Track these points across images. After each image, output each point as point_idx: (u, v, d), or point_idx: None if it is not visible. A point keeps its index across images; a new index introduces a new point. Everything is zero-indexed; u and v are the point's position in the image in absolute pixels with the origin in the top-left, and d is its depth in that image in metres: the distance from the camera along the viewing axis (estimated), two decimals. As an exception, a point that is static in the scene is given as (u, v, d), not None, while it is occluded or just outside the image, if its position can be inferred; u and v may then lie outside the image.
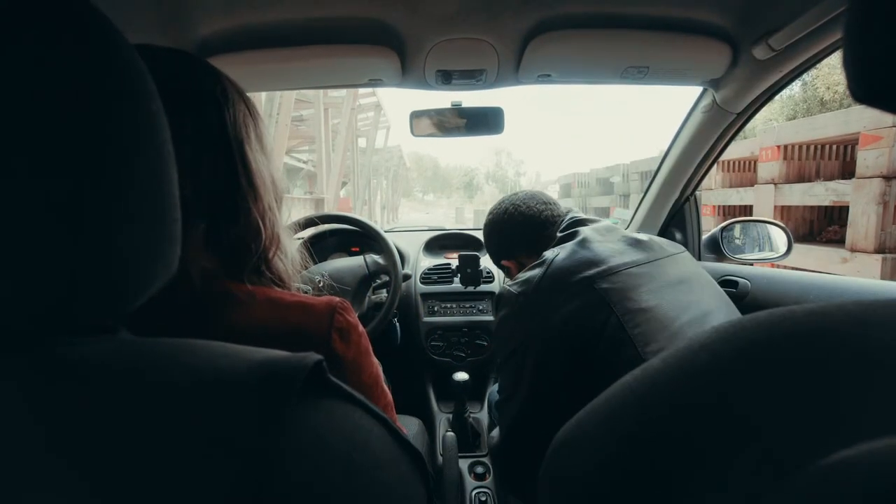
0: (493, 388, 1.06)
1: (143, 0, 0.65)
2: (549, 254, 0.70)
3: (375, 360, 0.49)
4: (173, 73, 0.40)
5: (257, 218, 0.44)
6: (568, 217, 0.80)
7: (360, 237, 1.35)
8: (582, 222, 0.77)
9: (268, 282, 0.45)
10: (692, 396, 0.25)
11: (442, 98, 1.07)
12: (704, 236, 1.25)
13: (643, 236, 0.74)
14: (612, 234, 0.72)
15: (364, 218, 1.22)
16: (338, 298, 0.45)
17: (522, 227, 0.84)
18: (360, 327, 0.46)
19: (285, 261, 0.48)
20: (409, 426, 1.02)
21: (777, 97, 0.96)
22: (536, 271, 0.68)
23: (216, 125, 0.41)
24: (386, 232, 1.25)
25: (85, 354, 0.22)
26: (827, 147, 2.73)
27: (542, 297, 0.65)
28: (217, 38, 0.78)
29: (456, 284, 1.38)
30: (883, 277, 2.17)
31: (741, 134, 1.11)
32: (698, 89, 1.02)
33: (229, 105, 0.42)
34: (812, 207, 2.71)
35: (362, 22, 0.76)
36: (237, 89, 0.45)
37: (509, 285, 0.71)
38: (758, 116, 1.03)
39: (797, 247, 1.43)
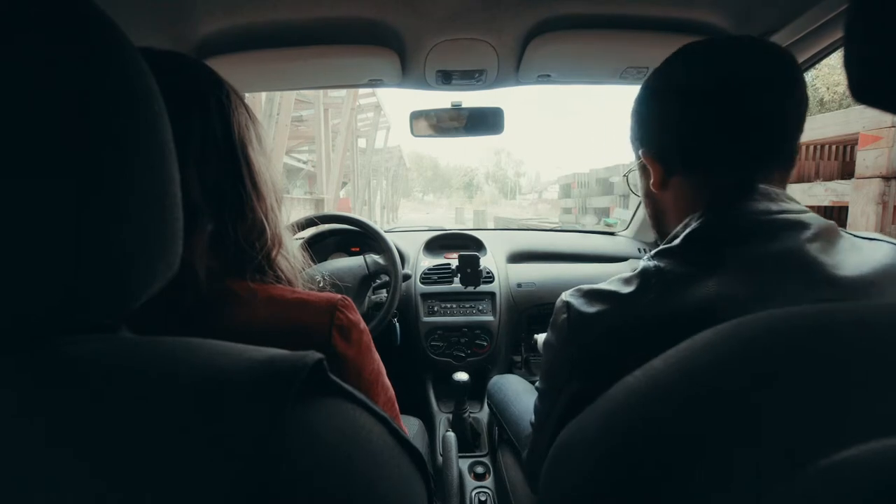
0: (493, 381, 1.05)
1: (143, 0, 0.65)
2: (642, 273, 0.45)
3: (377, 357, 0.49)
4: (180, 77, 0.41)
5: (262, 217, 0.45)
6: (752, 203, 0.43)
7: (360, 237, 1.35)
8: (756, 227, 0.42)
9: (272, 280, 0.46)
10: (693, 396, 0.25)
11: (442, 98, 1.08)
12: None
13: (853, 269, 0.40)
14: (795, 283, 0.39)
15: (364, 218, 1.23)
16: (339, 295, 0.45)
17: (708, 137, 0.46)
18: (362, 324, 0.46)
19: (289, 259, 0.49)
20: (410, 426, 1.02)
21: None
22: (608, 307, 0.44)
23: (221, 127, 0.42)
24: (386, 232, 1.25)
25: (85, 353, 0.22)
26: (826, 147, 2.73)
27: (601, 355, 0.44)
28: (217, 38, 0.78)
29: (456, 284, 1.38)
30: (882, 277, 2.16)
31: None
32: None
33: (232, 108, 0.43)
34: (811, 207, 2.72)
35: (362, 22, 0.77)
36: (237, 94, 0.46)
37: (574, 298, 0.48)
38: (757, 116, 1.03)
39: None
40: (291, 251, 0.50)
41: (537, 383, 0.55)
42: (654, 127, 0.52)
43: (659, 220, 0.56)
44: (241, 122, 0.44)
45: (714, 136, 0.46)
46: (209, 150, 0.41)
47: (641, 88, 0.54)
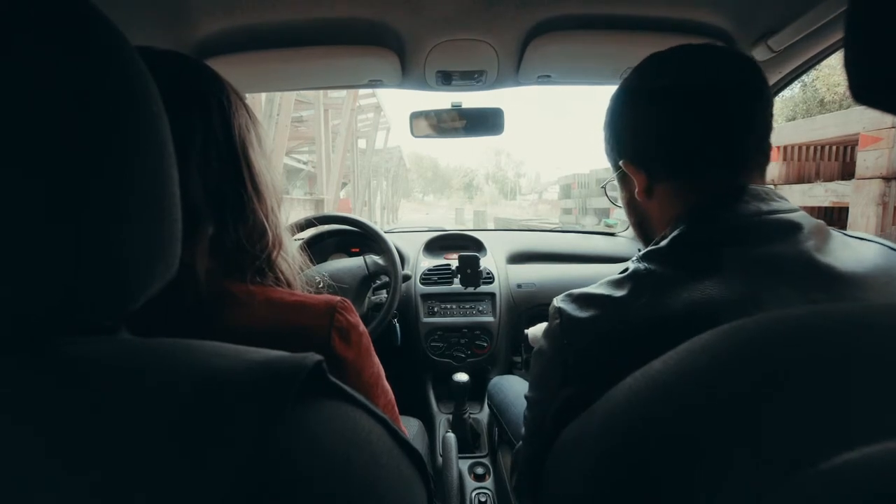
0: (493, 382, 1.05)
1: (142, 1, 0.65)
2: (633, 276, 0.45)
3: (376, 360, 0.49)
4: (181, 77, 0.41)
5: (262, 219, 0.45)
6: (743, 204, 0.43)
7: (360, 238, 1.35)
8: (749, 228, 0.42)
9: (272, 282, 0.46)
10: (692, 397, 0.25)
11: (442, 99, 1.08)
12: None
13: (847, 266, 0.40)
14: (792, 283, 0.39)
15: (364, 219, 1.23)
16: (338, 298, 0.45)
17: (692, 140, 0.46)
18: (361, 326, 0.46)
19: (289, 260, 0.49)
20: (409, 427, 1.02)
21: (777, 98, 0.96)
22: (600, 311, 0.44)
23: (222, 128, 0.42)
24: (386, 233, 1.25)
25: (84, 354, 0.22)
26: (827, 148, 2.73)
27: (595, 359, 0.43)
28: (217, 38, 0.78)
29: (456, 285, 1.38)
30: (883, 278, 2.15)
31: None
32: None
33: (233, 109, 0.43)
34: (812, 208, 2.71)
35: (362, 23, 0.77)
36: (238, 94, 0.46)
37: (565, 304, 0.47)
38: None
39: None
40: (291, 252, 0.50)
41: (526, 393, 0.54)
42: (632, 135, 0.51)
43: (644, 227, 0.56)
44: (242, 123, 0.44)
45: (698, 139, 0.46)
46: (210, 151, 0.41)
47: (614, 99, 0.53)
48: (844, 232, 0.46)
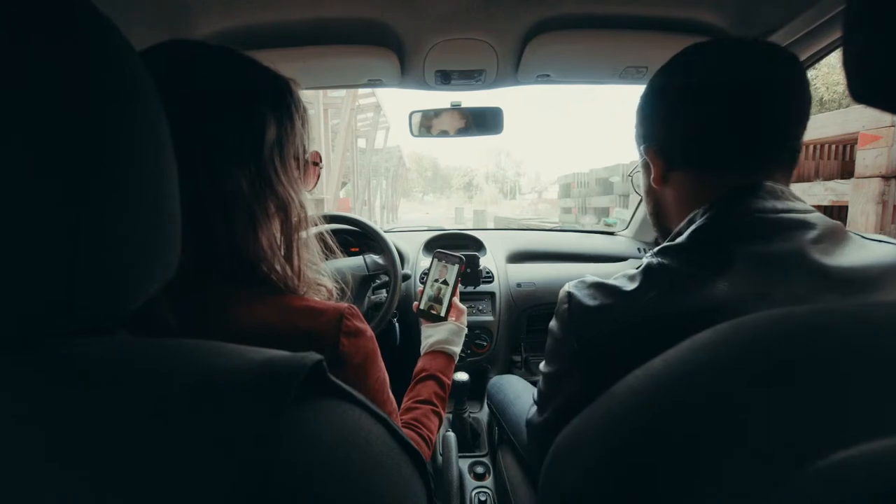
0: (493, 381, 1.05)
1: (142, 1, 0.65)
2: (646, 270, 0.45)
3: (383, 366, 0.49)
4: (261, 77, 0.46)
5: (282, 223, 0.46)
6: (758, 200, 0.43)
7: (360, 237, 1.35)
8: (761, 225, 0.42)
9: (282, 286, 0.46)
10: (692, 396, 0.25)
11: (441, 98, 1.08)
12: None
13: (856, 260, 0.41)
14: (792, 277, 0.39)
15: (364, 218, 1.23)
16: (346, 305, 0.45)
17: (716, 135, 0.47)
18: (370, 332, 0.46)
19: (305, 267, 0.49)
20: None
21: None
22: (609, 302, 0.44)
23: (277, 133, 0.45)
24: (385, 232, 1.25)
25: (83, 355, 0.22)
26: (826, 146, 2.73)
27: (601, 349, 0.44)
28: (216, 38, 0.78)
29: None
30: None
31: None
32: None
33: (293, 116, 0.47)
34: (811, 207, 2.73)
35: (361, 22, 0.77)
36: (301, 103, 0.49)
37: (577, 290, 0.48)
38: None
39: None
40: (305, 258, 0.50)
41: (541, 365, 0.55)
42: (658, 124, 0.53)
43: (659, 216, 0.57)
44: (298, 131, 0.47)
45: (722, 135, 0.46)
46: (264, 153, 0.43)
47: (647, 86, 0.54)
48: (863, 234, 0.46)
